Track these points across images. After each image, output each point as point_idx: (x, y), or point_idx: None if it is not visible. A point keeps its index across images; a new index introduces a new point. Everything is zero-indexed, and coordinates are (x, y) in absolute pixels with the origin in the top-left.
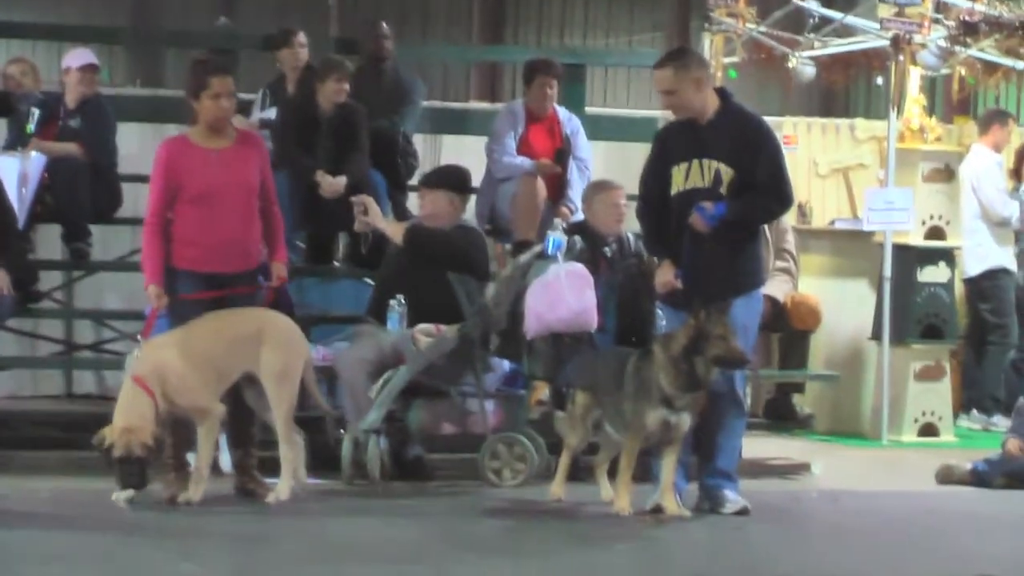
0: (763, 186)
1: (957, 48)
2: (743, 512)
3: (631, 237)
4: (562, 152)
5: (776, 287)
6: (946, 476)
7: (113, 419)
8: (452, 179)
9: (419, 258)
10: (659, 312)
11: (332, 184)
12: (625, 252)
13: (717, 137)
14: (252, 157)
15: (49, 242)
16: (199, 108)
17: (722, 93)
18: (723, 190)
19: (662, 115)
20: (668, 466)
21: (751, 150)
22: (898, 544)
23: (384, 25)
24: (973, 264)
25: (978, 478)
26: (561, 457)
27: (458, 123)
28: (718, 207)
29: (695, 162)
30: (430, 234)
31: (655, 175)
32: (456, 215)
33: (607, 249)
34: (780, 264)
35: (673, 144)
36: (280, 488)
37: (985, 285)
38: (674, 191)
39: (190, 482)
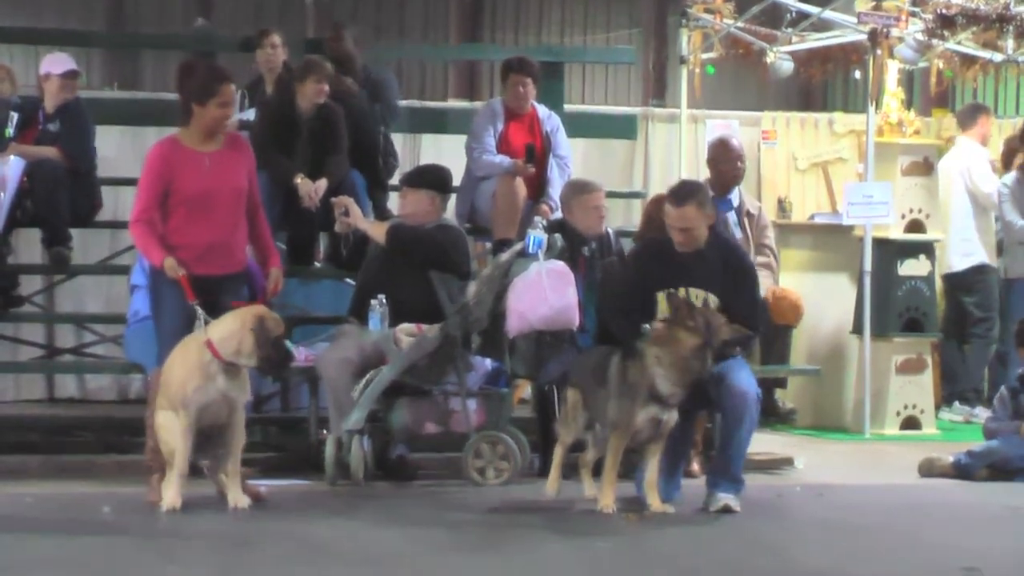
0: (740, 316)
1: (934, 41)
2: (726, 510)
3: (611, 234)
4: (532, 147)
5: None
6: (928, 469)
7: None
8: (433, 178)
9: (401, 258)
10: None
11: (310, 189)
12: (605, 250)
13: (706, 266)
14: (241, 161)
15: (29, 247)
16: (201, 113)
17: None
18: None
19: (641, 112)
20: (652, 463)
21: (735, 281)
22: (882, 538)
23: (343, 26)
24: (959, 259)
25: (960, 470)
26: (555, 454)
27: (437, 122)
28: None
29: (682, 291)
30: (412, 234)
31: (634, 297)
32: (437, 214)
33: (586, 248)
34: (760, 259)
35: (656, 268)
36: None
37: (972, 280)
38: (659, 317)
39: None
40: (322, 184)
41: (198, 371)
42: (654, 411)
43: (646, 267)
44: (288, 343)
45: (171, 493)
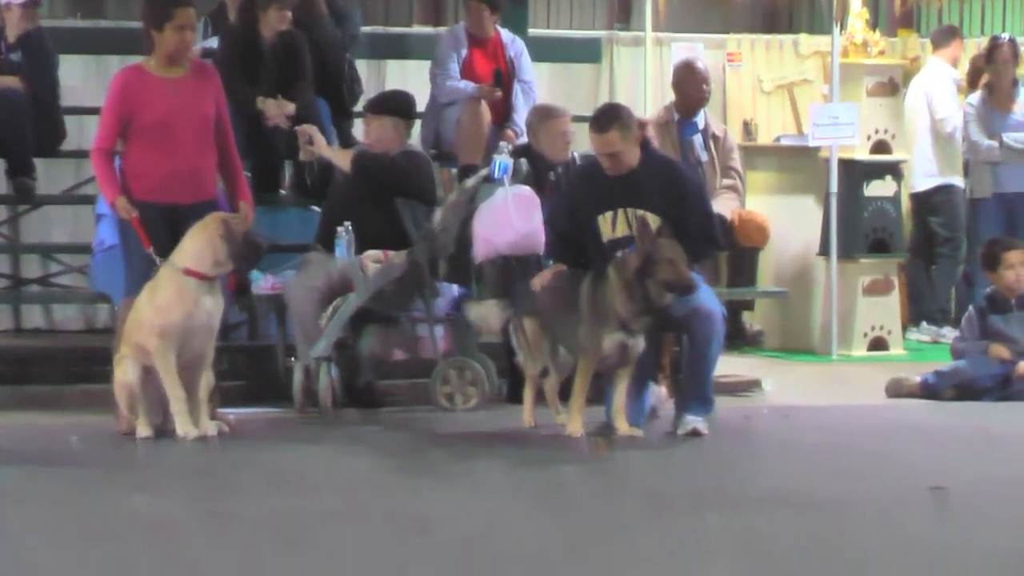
0: (694, 235)
1: None
2: (694, 434)
3: (577, 158)
4: (500, 72)
5: (723, 204)
6: (896, 389)
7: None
8: (397, 105)
9: (366, 185)
10: None
11: (277, 108)
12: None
13: (642, 187)
14: (207, 88)
15: None
16: (160, 39)
17: (643, 142)
18: None
19: (606, 36)
20: (620, 387)
21: (677, 198)
22: (849, 458)
23: None
24: (923, 179)
25: (927, 390)
26: (525, 390)
27: (401, 48)
28: None
29: (620, 212)
30: (376, 161)
31: (569, 213)
32: (401, 141)
33: (552, 173)
34: (727, 182)
35: (592, 192)
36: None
37: (936, 200)
38: (604, 239)
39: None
40: (288, 106)
41: (182, 296)
42: (620, 337)
43: (581, 191)
44: (255, 235)
45: (181, 421)
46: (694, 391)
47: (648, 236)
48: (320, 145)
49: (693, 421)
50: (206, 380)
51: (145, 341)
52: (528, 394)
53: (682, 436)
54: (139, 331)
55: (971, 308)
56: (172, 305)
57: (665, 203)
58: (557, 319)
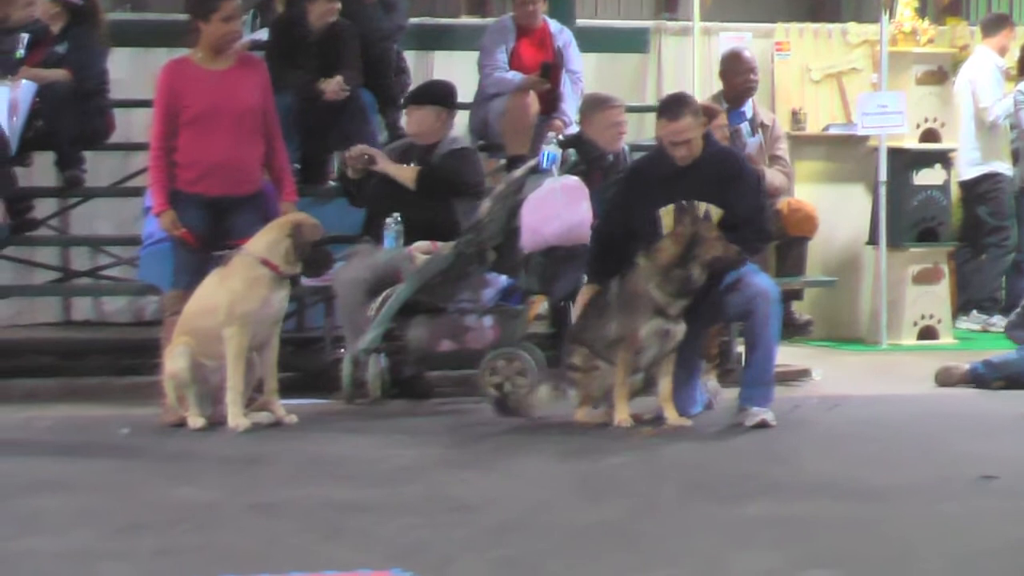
0: (744, 222)
1: None
2: (762, 425)
3: (627, 150)
4: (548, 66)
5: (773, 176)
6: (945, 378)
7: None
8: (437, 94)
9: (430, 199)
10: None
11: (333, 84)
12: (621, 165)
13: (701, 178)
14: (254, 79)
15: (43, 170)
16: (206, 30)
17: (705, 133)
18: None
19: (653, 25)
20: (665, 376)
21: (736, 190)
22: (899, 447)
23: None
24: (969, 168)
25: (977, 378)
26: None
27: (448, 39)
28: None
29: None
30: (441, 175)
31: (625, 211)
32: (444, 130)
33: (604, 163)
34: (776, 170)
35: (654, 184)
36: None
37: (983, 188)
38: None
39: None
40: (339, 79)
41: (259, 285)
42: (658, 323)
43: (641, 184)
44: (325, 246)
45: (235, 412)
46: (757, 377)
47: (691, 218)
48: (384, 163)
49: (760, 412)
50: (274, 368)
51: (216, 327)
52: (591, 418)
53: (750, 428)
54: (209, 317)
55: None
56: (251, 293)
57: (724, 194)
58: (593, 333)
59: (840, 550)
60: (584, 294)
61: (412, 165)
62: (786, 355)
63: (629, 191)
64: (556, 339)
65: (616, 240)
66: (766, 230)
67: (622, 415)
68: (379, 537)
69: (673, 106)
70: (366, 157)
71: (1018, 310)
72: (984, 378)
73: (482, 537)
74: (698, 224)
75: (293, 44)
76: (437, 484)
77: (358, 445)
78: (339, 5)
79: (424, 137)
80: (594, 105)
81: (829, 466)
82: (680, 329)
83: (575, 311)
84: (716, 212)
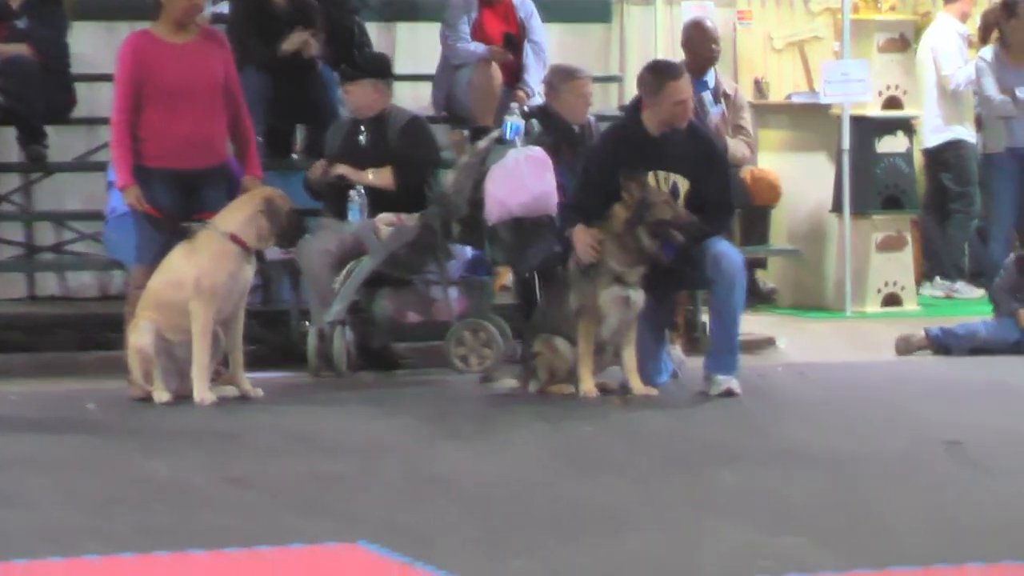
0: (712, 205)
1: None
2: (728, 393)
3: (593, 121)
4: (511, 37)
5: (736, 146)
6: (905, 347)
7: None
8: (372, 67)
9: (379, 160)
10: None
11: (302, 39)
12: (588, 137)
13: (676, 150)
14: (216, 53)
15: (5, 145)
16: (168, 4)
17: None
18: (680, 202)
19: None
20: (629, 347)
21: (706, 164)
22: (865, 414)
23: None
24: (933, 135)
25: (939, 345)
26: (554, 389)
27: (411, 10)
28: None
29: (651, 174)
30: (415, 171)
31: (600, 179)
32: (385, 100)
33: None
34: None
35: (625, 154)
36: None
37: (947, 155)
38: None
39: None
40: (304, 33)
41: (226, 259)
42: (616, 291)
43: (614, 153)
44: (298, 213)
45: (201, 387)
46: (722, 345)
47: (639, 184)
48: (358, 176)
49: (726, 381)
50: (240, 342)
51: (182, 301)
52: (558, 389)
53: (716, 397)
54: (175, 292)
55: (1012, 255)
56: (218, 267)
57: (694, 168)
58: (553, 314)
59: (811, 518)
60: (582, 232)
61: (374, 169)
62: (751, 323)
63: (603, 160)
64: (522, 311)
65: (593, 210)
66: (731, 206)
67: (587, 385)
68: (352, 511)
69: (673, 67)
70: (329, 172)
71: (1002, 271)
72: (947, 346)
73: (455, 510)
74: (646, 190)
75: (257, 16)
76: (409, 457)
77: (327, 418)
78: None
79: (364, 111)
80: (561, 77)
81: (797, 434)
82: (640, 296)
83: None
84: (683, 183)
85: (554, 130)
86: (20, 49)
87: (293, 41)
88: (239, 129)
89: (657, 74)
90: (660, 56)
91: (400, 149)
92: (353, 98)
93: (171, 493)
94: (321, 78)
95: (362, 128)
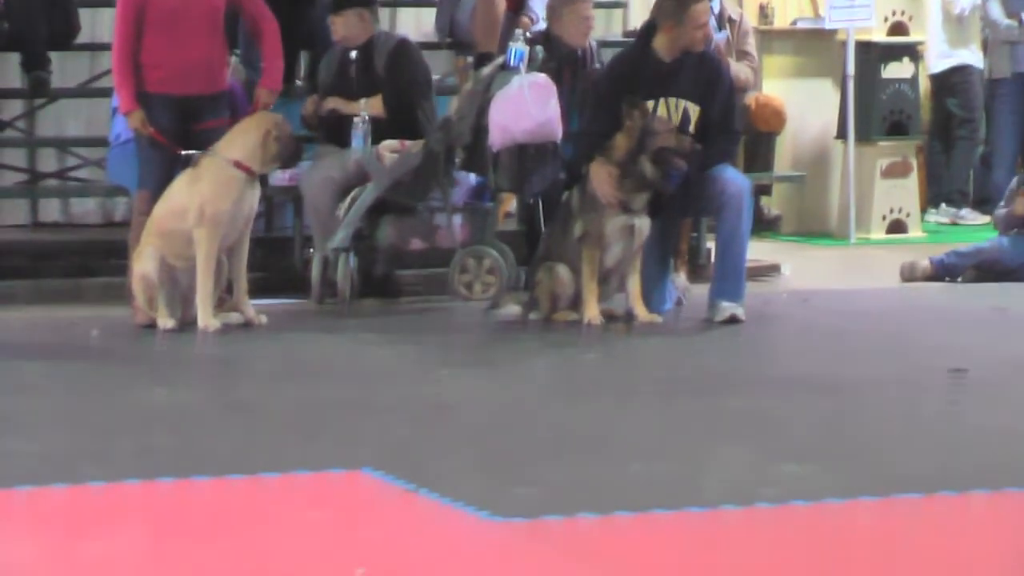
0: (717, 130)
1: None
2: (732, 320)
3: (594, 46)
4: None
5: (739, 69)
6: (909, 274)
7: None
8: None
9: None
10: None
11: None
12: (590, 62)
13: (686, 76)
14: None
15: (8, 71)
16: None
17: None
18: (691, 128)
19: None
20: (634, 275)
21: (714, 90)
22: (869, 341)
23: None
24: (939, 61)
25: (944, 269)
26: (558, 317)
27: None
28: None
29: (662, 101)
30: (403, 96)
31: (607, 110)
32: (371, 28)
33: (573, 59)
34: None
35: (633, 80)
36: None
37: (953, 80)
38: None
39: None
40: None
41: (230, 186)
42: (622, 219)
43: (622, 79)
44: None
45: (206, 313)
46: (728, 271)
47: (640, 111)
48: (337, 105)
49: (729, 307)
50: (244, 269)
51: (186, 229)
52: (561, 316)
53: (719, 323)
54: (179, 219)
55: (1015, 179)
56: (222, 194)
57: (702, 95)
58: (557, 248)
59: (814, 445)
60: (602, 169)
61: (365, 99)
62: (756, 250)
63: (613, 87)
64: (527, 237)
65: (602, 139)
66: (736, 131)
67: (592, 312)
68: (355, 437)
69: None
70: (321, 107)
71: (1005, 194)
72: (952, 268)
73: (459, 436)
74: (648, 117)
75: None
76: (413, 384)
77: (331, 345)
78: None
79: (351, 41)
80: (561, 1)
81: (802, 361)
82: (645, 224)
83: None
84: (694, 110)
85: (556, 54)
86: None
87: None
88: (264, 38)
89: None
90: None
91: (387, 75)
92: (339, 29)
93: (174, 419)
94: (319, 5)
95: (352, 57)
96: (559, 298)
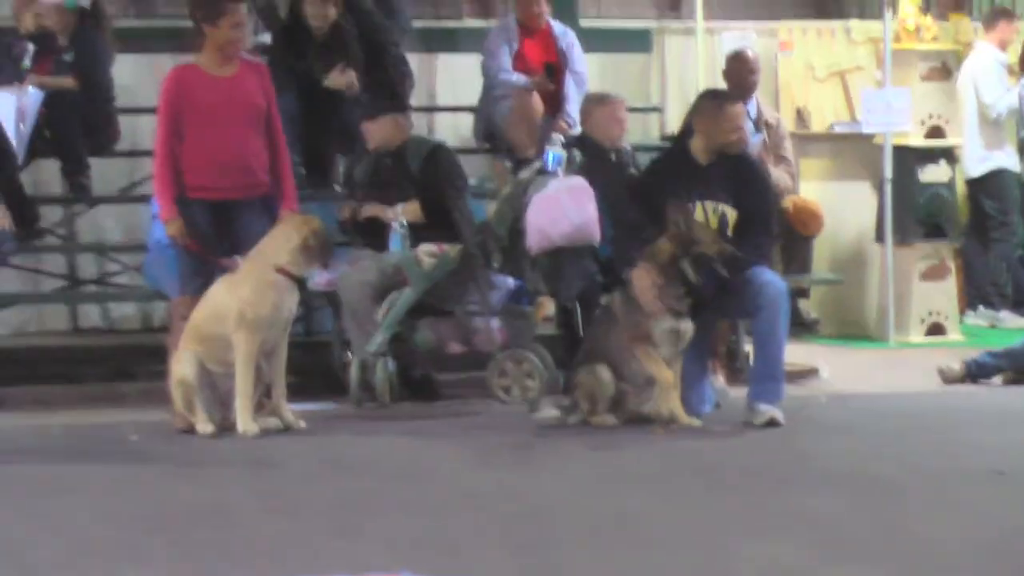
0: (754, 231)
1: None
2: (772, 423)
3: (629, 149)
4: (552, 67)
5: (779, 175)
6: (946, 376)
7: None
8: (389, 103)
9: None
10: None
11: (341, 76)
12: (624, 163)
13: (722, 178)
14: (258, 83)
15: (49, 177)
16: (214, 34)
17: None
18: (729, 232)
19: (657, 26)
20: (675, 376)
21: (748, 187)
22: (908, 442)
23: None
24: (975, 165)
25: (979, 369)
26: (596, 421)
27: (452, 41)
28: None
29: (699, 204)
30: (439, 199)
31: (645, 199)
32: (406, 131)
33: (606, 159)
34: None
35: (672, 182)
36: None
37: (989, 184)
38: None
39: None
40: (349, 72)
41: (270, 290)
42: (669, 323)
43: (661, 180)
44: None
45: (245, 418)
46: (766, 374)
47: (684, 216)
48: (375, 211)
49: (768, 410)
50: (283, 373)
51: (226, 333)
52: (602, 421)
53: (759, 426)
54: (218, 324)
55: None
56: (262, 299)
57: (738, 195)
58: (601, 351)
59: (858, 541)
60: (645, 272)
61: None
62: (794, 353)
63: (650, 184)
64: (565, 340)
65: (641, 221)
66: (773, 233)
67: (677, 410)
68: (393, 537)
69: (726, 93)
70: (359, 214)
71: None
72: (984, 367)
73: (498, 537)
74: (691, 222)
75: (295, 45)
76: (451, 483)
77: (369, 446)
78: (333, 7)
79: (387, 145)
80: (594, 101)
81: (842, 461)
82: (689, 327)
83: (642, 284)
84: (732, 213)
85: (590, 154)
86: (66, 82)
87: (337, 81)
88: (278, 160)
89: (717, 99)
90: (701, 87)
91: (423, 178)
92: (375, 136)
93: (212, 518)
94: (356, 105)
95: (387, 161)
96: (599, 400)
